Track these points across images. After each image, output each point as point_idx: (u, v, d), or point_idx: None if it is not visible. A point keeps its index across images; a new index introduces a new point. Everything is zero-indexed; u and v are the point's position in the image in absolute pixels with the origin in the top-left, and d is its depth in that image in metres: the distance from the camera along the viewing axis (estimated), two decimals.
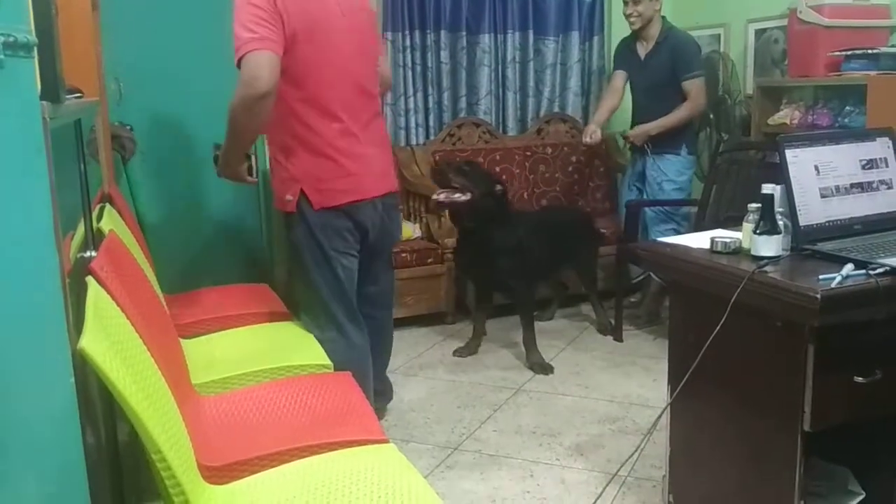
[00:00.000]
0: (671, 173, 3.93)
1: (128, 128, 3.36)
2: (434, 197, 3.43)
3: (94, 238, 2.06)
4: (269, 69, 2.24)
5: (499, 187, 3.50)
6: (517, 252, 3.53)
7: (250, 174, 2.60)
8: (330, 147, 2.45)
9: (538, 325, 3.78)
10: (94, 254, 1.83)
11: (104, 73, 3.24)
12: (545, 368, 3.48)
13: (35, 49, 1.21)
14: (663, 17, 3.91)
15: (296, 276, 2.70)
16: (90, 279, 1.53)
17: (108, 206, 2.39)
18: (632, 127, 4.09)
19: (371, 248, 2.64)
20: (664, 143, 3.91)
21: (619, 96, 4.14)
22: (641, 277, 4.16)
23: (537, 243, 3.63)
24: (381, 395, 2.89)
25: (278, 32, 2.28)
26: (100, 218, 2.21)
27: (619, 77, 4.12)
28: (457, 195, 3.36)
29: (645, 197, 4.05)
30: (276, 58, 2.27)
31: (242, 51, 2.23)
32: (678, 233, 3.75)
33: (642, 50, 3.96)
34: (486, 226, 3.48)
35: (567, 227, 3.97)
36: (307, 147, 2.45)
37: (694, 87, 3.82)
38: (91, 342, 1.26)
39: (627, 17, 3.89)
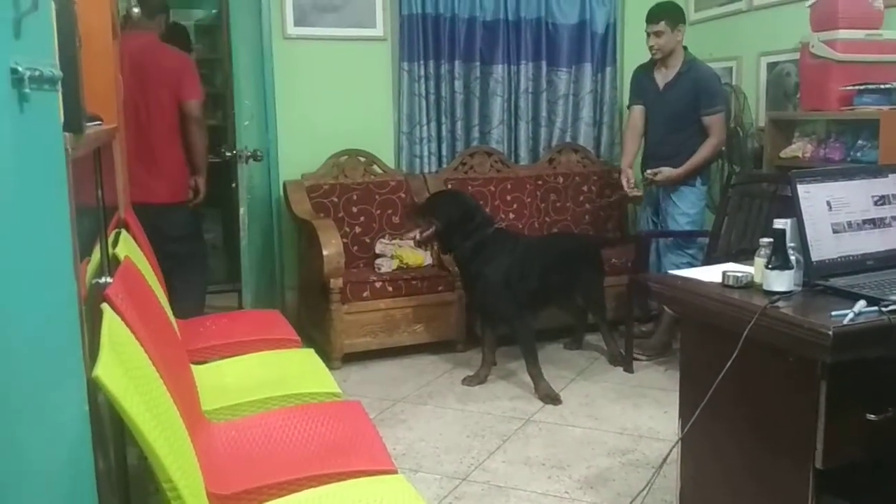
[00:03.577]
0: (685, 205, 3.92)
1: None
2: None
3: (110, 264, 2.08)
4: None
5: (463, 208, 3.59)
6: (505, 281, 3.54)
7: None
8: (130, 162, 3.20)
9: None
10: (109, 280, 1.85)
11: None
12: (554, 399, 3.46)
13: (59, 82, 1.24)
14: (686, 48, 3.89)
15: None
16: (105, 306, 1.54)
17: (123, 231, 2.41)
18: (644, 157, 4.10)
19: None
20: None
21: (640, 136, 4.11)
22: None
23: (529, 272, 3.61)
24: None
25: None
26: (115, 244, 2.23)
27: (638, 114, 4.08)
28: (421, 231, 3.64)
29: (660, 229, 4.05)
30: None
31: None
32: (693, 264, 3.74)
33: (661, 79, 3.95)
34: (466, 253, 3.57)
35: (566, 255, 3.91)
36: None
37: (716, 122, 3.83)
38: (106, 370, 1.27)
39: (650, 47, 3.90)
